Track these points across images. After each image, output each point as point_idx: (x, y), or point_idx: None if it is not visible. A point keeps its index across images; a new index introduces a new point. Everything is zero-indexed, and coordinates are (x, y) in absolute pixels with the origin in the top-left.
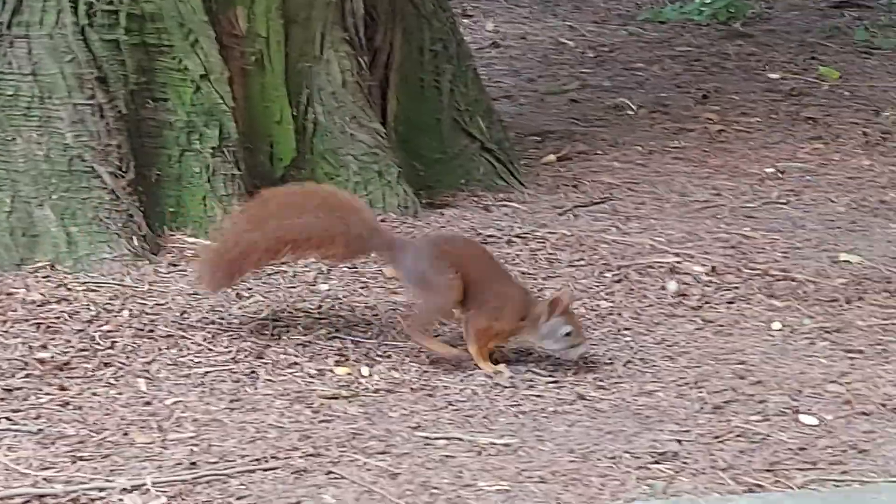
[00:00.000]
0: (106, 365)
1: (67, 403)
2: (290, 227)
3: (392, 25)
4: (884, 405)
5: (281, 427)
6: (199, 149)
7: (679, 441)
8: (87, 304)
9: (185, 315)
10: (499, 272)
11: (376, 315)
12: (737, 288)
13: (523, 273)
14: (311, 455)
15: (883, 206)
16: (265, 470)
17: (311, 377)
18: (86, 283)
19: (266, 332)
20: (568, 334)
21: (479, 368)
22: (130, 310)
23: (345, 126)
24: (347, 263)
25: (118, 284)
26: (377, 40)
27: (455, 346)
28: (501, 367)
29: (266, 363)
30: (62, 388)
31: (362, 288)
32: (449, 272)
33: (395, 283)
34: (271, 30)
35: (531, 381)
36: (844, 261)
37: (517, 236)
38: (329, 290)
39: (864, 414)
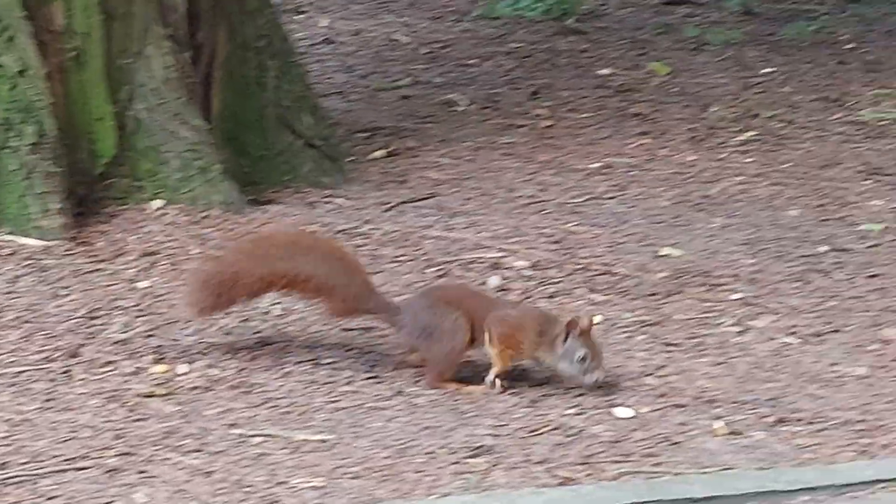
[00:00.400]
0: None
1: None
2: (292, 264)
3: (215, 22)
4: (698, 398)
5: (94, 426)
6: (17, 146)
7: (495, 435)
8: None
9: (0, 314)
10: (503, 300)
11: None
12: (559, 282)
13: None
14: (124, 454)
15: (706, 200)
16: (77, 470)
17: (128, 375)
18: None
19: (83, 331)
20: (583, 359)
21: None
22: None
23: (167, 123)
24: (339, 320)
25: None
26: (200, 36)
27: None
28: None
29: (82, 362)
30: None
31: (181, 285)
32: (451, 314)
33: None
34: (90, 25)
35: (350, 376)
36: (666, 255)
37: (341, 232)
38: (149, 286)
39: (679, 406)
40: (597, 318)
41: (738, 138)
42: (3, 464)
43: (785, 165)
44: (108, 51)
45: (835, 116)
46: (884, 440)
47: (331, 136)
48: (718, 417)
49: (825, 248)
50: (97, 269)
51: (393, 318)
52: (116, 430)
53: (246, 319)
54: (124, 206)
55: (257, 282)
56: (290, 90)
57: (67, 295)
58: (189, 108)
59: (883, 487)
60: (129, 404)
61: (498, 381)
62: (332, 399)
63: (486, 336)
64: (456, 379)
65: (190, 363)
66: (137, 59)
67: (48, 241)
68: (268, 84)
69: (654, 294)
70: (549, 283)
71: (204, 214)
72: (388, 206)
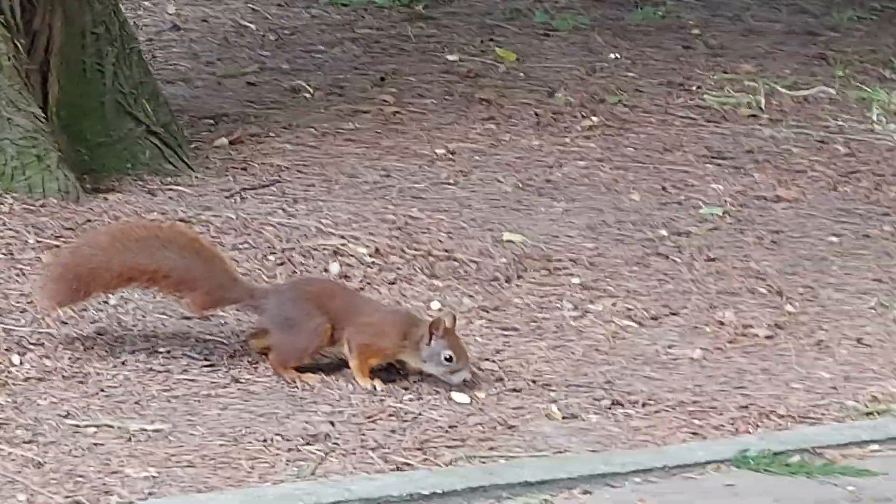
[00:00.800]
0: None
1: None
2: (151, 259)
3: (51, 8)
4: (534, 381)
5: None
6: None
7: (332, 422)
8: None
9: None
10: (369, 300)
11: (31, 303)
12: (399, 269)
13: None
14: None
15: (548, 185)
16: None
17: None
18: None
19: None
20: (449, 359)
21: (357, 382)
22: None
23: (1, 110)
24: (204, 312)
25: None
26: (35, 23)
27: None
28: (377, 382)
29: None
30: None
31: (17, 275)
32: (315, 317)
33: None
34: None
35: (186, 365)
36: (508, 240)
37: (181, 220)
38: None
39: (515, 390)
40: (435, 304)
41: (582, 123)
42: None
43: (628, 150)
44: None
45: (679, 101)
46: (715, 421)
47: (173, 123)
48: (554, 401)
49: (665, 231)
50: None
51: (256, 302)
52: None
53: (83, 309)
54: None
55: (116, 278)
56: (130, 77)
57: None
58: (24, 95)
59: (714, 468)
60: None
61: (378, 383)
62: (168, 388)
63: (346, 347)
64: (298, 369)
65: (23, 354)
66: None
67: None
68: (106, 71)
69: (494, 279)
70: (390, 270)
71: (41, 203)
72: (230, 193)
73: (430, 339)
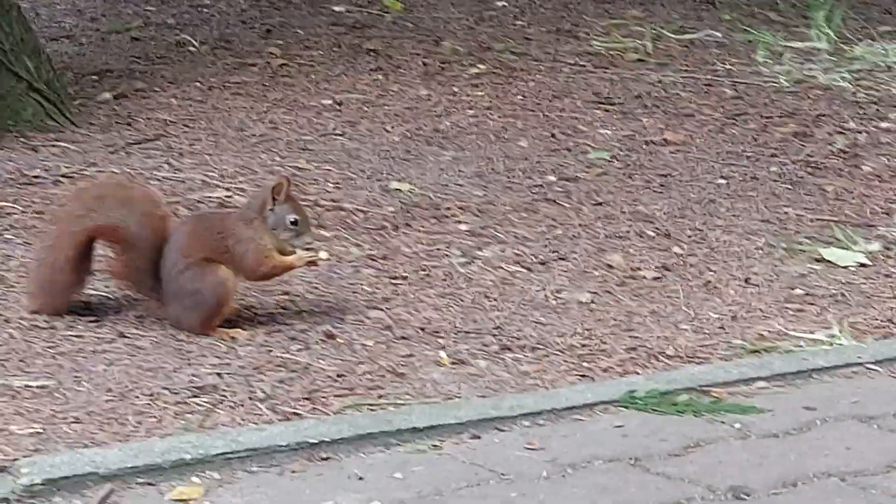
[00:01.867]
0: None
1: None
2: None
3: None
4: (423, 329)
5: None
6: None
7: (219, 374)
8: None
9: None
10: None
11: None
12: None
13: None
14: None
15: (437, 134)
16: None
17: None
18: None
19: None
20: (295, 222)
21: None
22: None
23: None
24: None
25: None
26: None
27: None
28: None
29: None
30: None
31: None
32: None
33: None
34: None
35: (71, 321)
36: (396, 189)
37: (64, 176)
38: None
39: (404, 338)
40: (323, 255)
41: (470, 72)
42: None
43: (517, 98)
44: None
45: (567, 48)
46: (604, 364)
47: (55, 80)
48: (443, 348)
49: (553, 177)
50: None
51: None
52: None
53: None
54: None
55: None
56: (10, 33)
57: None
58: None
59: (603, 409)
60: None
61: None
62: (53, 345)
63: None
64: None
65: None
66: None
67: None
68: None
69: (382, 228)
70: None
71: None
72: (115, 148)
73: (274, 204)
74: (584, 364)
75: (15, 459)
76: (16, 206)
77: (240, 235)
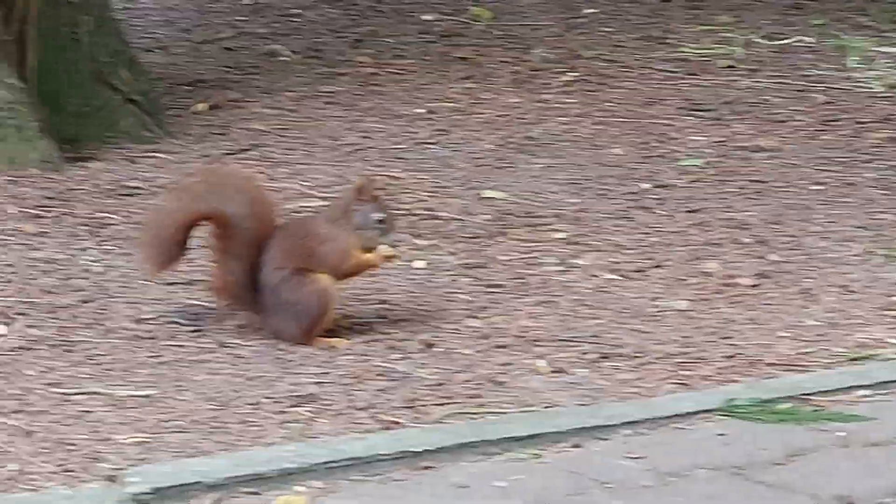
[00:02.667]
0: None
1: None
2: None
3: None
4: (521, 337)
5: None
6: None
7: (319, 383)
8: None
9: None
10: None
11: (14, 271)
12: None
13: None
14: None
15: (529, 142)
16: None
17: None
18: None
19: None
20: (380, 221)
21: None
22: None
23: None
24: None
25: None
26: None
27: None
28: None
29: None
30: None
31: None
32: None
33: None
34: None
35: (172, 331)
36: (489, 197)
37: (161, 187)
38: None
39: (502, 347)
40: (419, 263)
41: (561, 79)
42: None
43: (608, 104)
44: None
45: (657, 54)
46: (703, 371)
47: (151, 91)
48: (541, 356)
49: (647, 185)
50: None
51: None
52: None
53: (67, 277)
54: None
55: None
56: (106, 45)
57: None
58: (2, 67)
59: (702, 418)
60: None
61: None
62: (155, 354)
63: None
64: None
65: (8, 324)
66: None
67: None
68: (82, 39)
69: (477, 236)
70: None
71: (22, 174)
72: (211, 158)
73: (358, 204)
74: (683, 372)
75: (122, 469)
76: (115, 216)
77: (324, 236)
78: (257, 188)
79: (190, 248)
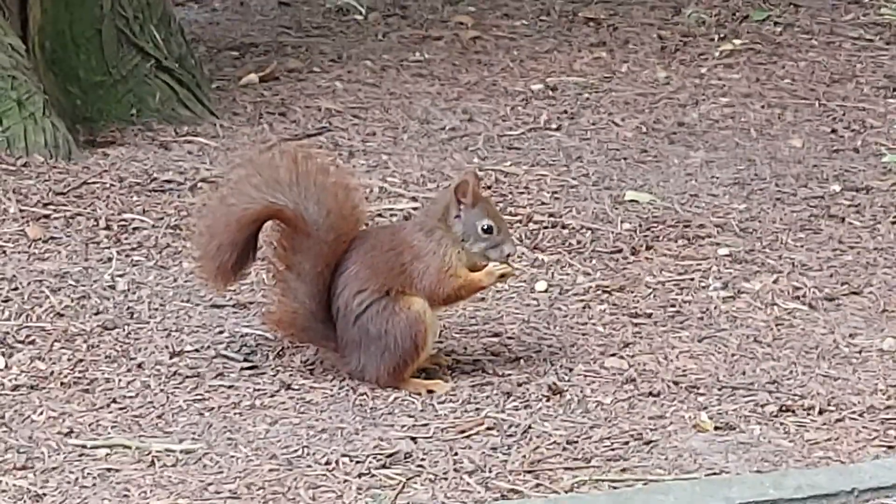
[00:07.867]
0: None
1: None
2: None
3: None
4: (676, 383)
5: None
6: None
7: (413, 438)
8: None
9: None
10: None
11: (15, 287)
12: None
13: None
14: None
15: (682, 129)
16: None
17: None
18: None
19: None
20: (488, 229)
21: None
22: None
23: None
24: None
25: None
26: None
27: None
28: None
29: None
30: None
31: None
32: None
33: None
34: None
35: (222, 366)
36: (631, 201)
37: (204, 181)
38: None
39: (652, 395)
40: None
41: (722, 48)
42: None
43: (784, 82)
44: None
45: (848, 17)
46: None
47: (189, 56)
48: (703, 408)
49: (838, 187)
50: None
51: None
52: None
53: (83, 296)
54: None
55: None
56: None
57: None
58: None
59: None
60: None
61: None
62: (199, 397)
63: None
64: None
65: (9, 355)
66: None
67: None
68: None
69: (617, 251)
70: None
71: (23, 161)
72: (267, 144)
73: (460, 209)
74: (891, 432)
75: None
76: (145, 218)
77: (418, 250)
78: (342, 183)
79: (256, 254)
